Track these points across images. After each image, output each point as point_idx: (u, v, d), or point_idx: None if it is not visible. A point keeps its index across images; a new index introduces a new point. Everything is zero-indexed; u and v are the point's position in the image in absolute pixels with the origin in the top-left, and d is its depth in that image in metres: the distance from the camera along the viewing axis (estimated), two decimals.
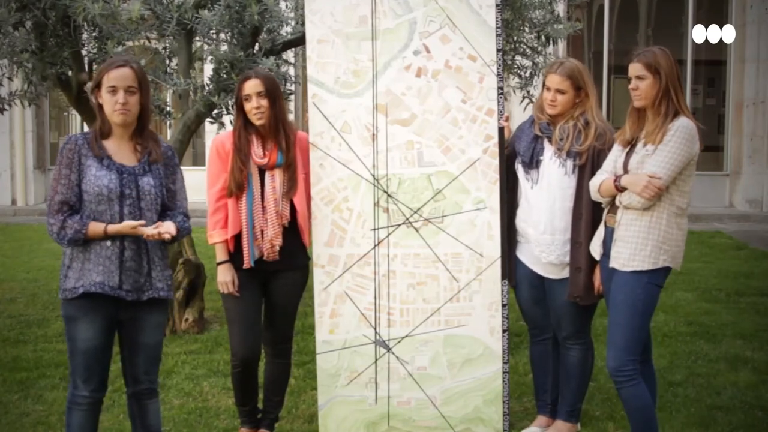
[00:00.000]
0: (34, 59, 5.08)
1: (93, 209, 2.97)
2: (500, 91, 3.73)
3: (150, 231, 2.95)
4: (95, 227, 2.95)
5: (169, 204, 3.15)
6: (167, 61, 6.10)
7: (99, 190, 2.96)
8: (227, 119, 5.34)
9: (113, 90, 2.98)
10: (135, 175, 3.03)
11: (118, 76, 2.99)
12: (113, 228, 2.96)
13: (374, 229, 3.77)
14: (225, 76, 4.84)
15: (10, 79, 5.66)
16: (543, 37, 5.83)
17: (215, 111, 5.23)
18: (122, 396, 4.01)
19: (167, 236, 2.98)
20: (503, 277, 3.75)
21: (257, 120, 3.55)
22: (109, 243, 2.97)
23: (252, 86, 3.53)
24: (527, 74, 5.95)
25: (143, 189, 3.04)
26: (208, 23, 4.65)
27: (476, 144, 3.72)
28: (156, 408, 3.26)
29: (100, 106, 3.04)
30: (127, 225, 2.95)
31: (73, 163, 2.97)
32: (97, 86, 3.03)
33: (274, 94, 3.57)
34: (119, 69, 2.99)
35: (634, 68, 3.31)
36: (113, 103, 2.98)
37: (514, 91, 6.16)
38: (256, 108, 3.53)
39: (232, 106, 5.04)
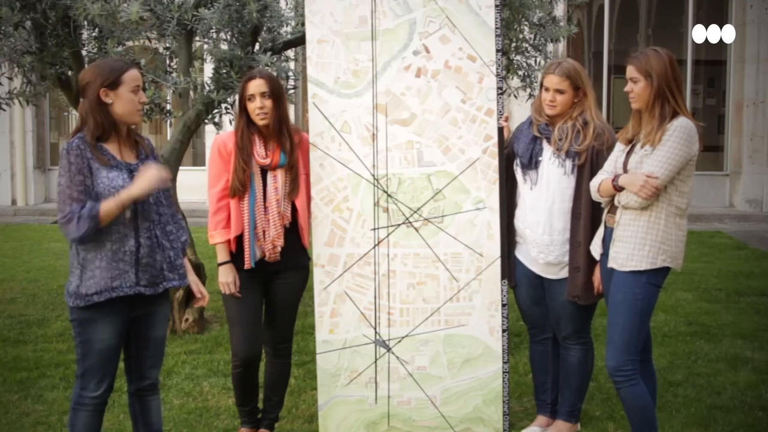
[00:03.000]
0: (34, 59, 5.08)
1: None
2: (500, 91, 3.73)
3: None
4: (106, 202, 2.90)
5: (163, 192, 3.16)
6: (167, 61, 6.11)
7: (115, 191, 2.93)
8: (226, 119, 5.34)
9: (137, 89, 3.00)
10: None
11: (137, 76, 3.02)
12: (125, 195, 2.91)
13: (374, 229, 3.77)
14: (225, 73, 4.84)
15: (10, 78, 5.67)
16: (541, 38, 5.84)
17: (215, 110, 5.22)
18: (122, 396, 4.01)
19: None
20: (503, 277, 3.76)
21: (260, 120, 3.55)
22: (120, 244, 2.95)
23: (256, 86, 3.53)
24: (525, 74, 5.96)
25: None
26: (208, 22, 4.65)
27: (476, 144, 3.73)
28: (158, 405, 3.27)
29: (103, 107, 2.97)
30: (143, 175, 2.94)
31: (84, 168, 2.91)
32: (110, 86, 2.95)
33: (278, 94, 3.57)
34: (134, 69, 3.02)
35: (628, 71, 3.34)
36: (136, 103, 3.00)
37: (516, 93, 6.17)
38: (259, 108, 3.53)
39: (231, 105, 5.05)
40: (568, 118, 3.69)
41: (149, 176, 2.95)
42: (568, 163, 3.67)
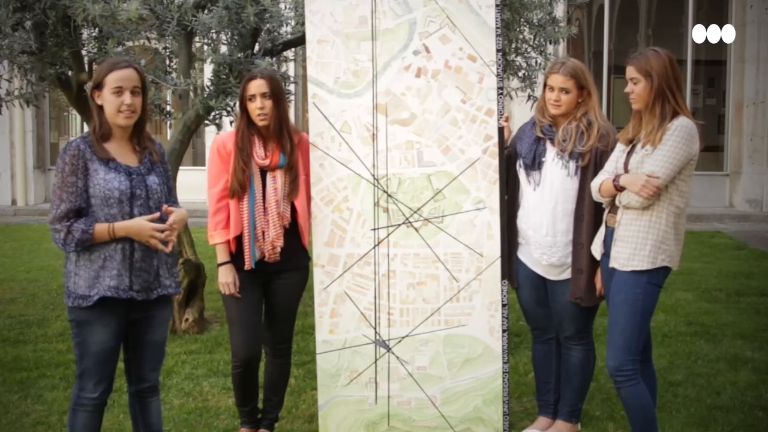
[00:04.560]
0: (34, 59, 5.08)
1: (105, 213, 2.93)
2: (500, 91, 3.73)
3: (159, 237, 2.93)
4: (101, 227, 2.91)
5: (168, 199, 3.15)
6: (167, 61, 6.11)
7: (110, 193, 2.93)
8: (226, 121, 5.33)
9: (119, 91, 2.94)
10: (142, 175, 3.03)
11: (123, 77, 2.95)
12: (120, 225, 2.92)
13: (374, 229, 3.77)
14: (224, 77, 4.84)
15: (9, 81, 5.67)
16: (541, 38, 5.84)
17: (213, 113, 5.22)
18: (122, 396, 4.02)
19: (171, 245, 2.96)
20: (503, 277, 3.75)
21: (260, 121, 3.54)
22: (115, 245, 2.94)
23: (256, 86, 3.52)
24: (525, 74, 5.95)
25: (151, 188, 3.04)
26: (207, 25, 4.65)
27: (476, 144, 3.73)
28: (158, 406, 3.26)
29: (100, 108, 2.99)
30: (140, 223, 2.92)
31: (78, 169, 2.91)
32: (98, 87, 2.97)
33: (279, 95, 3.57)
34: (124, 70, 2.96)
35: (628, 71, 3.35)
36: (119, 105, 2.95)
37: (516, 93, 6.16)
38: (259, 109, 3.52)
39: (232, 108, 5.05)
40: (572, 119, 3.69)
41: (145, 231, 2.92)
42: (572, 165, 3.66)
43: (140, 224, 2.93)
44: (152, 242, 2.93)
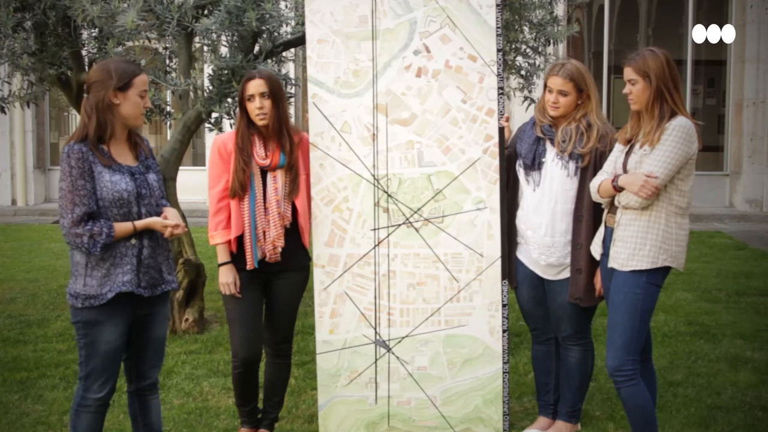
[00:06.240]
0: (34, 60, 5.08)
1: (114, 214, 2.95)
2: (500, 91, 3.73)
3: (171, 230, 3.02)
4: (122, 227, 2.95)
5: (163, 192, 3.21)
6: (167, 61, 6.11)
7: (119, 195, 2.95)
8: (226, 123, 5.33)
9: (144, 94, 3.04)
10: (143, 174, 3.06)
11: (145, 81, 3.06)
12: (141, 223, 2.98)
13: (374, 229, 3.77)
14: (226, 81, 4.83)
15: (8, 82, 5.67)
16: (542, 38, 5.84)
17: (214, 115, 5.22)
18: (122, 396, 4.01)
19: (180, 231, 3.05)
20: (503, 277, 3.75)
21: (260, 121, 3.55)
22: (133, 240, 2.98)
23: (255, 86, 3.53)
24: (525, 74, 5.96)
25: (152, 186, 3.08)
26: (208, 28, 4.65)
27: (476, 144, 3.73)
28: (157, 405, 3.27)
29: (107, 107, 2.96)
30: (158, 221, 3.00)
31: (86, 172, 2.91)
32: (122, 88, 2.97)
33: (278, 95, 3.57)
34: (144, 74, 3.06)
35: (626, 72, 3.34)
36: (141, 107, 3.04)
37: (515, 93, 6.17)
38: (258, 108, 3.52)
39: (233, 111, 5.04)
40: (571, 120, 3.69)
41: (159, 224, 3.02)
42: (572, 165, 3.66)
43: (157, 219, 3.03)
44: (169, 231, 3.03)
